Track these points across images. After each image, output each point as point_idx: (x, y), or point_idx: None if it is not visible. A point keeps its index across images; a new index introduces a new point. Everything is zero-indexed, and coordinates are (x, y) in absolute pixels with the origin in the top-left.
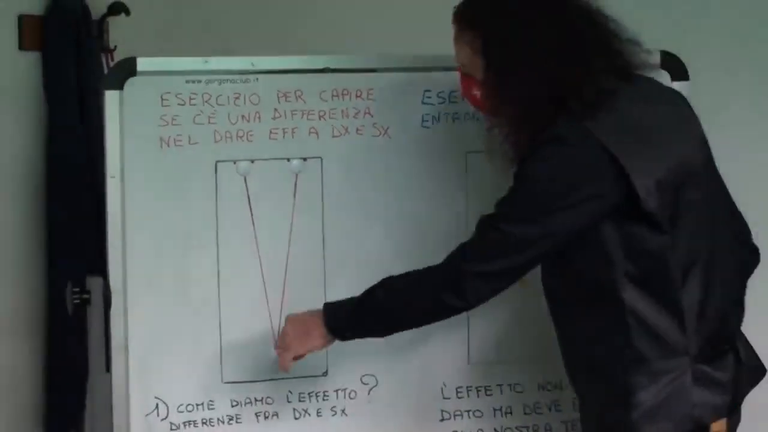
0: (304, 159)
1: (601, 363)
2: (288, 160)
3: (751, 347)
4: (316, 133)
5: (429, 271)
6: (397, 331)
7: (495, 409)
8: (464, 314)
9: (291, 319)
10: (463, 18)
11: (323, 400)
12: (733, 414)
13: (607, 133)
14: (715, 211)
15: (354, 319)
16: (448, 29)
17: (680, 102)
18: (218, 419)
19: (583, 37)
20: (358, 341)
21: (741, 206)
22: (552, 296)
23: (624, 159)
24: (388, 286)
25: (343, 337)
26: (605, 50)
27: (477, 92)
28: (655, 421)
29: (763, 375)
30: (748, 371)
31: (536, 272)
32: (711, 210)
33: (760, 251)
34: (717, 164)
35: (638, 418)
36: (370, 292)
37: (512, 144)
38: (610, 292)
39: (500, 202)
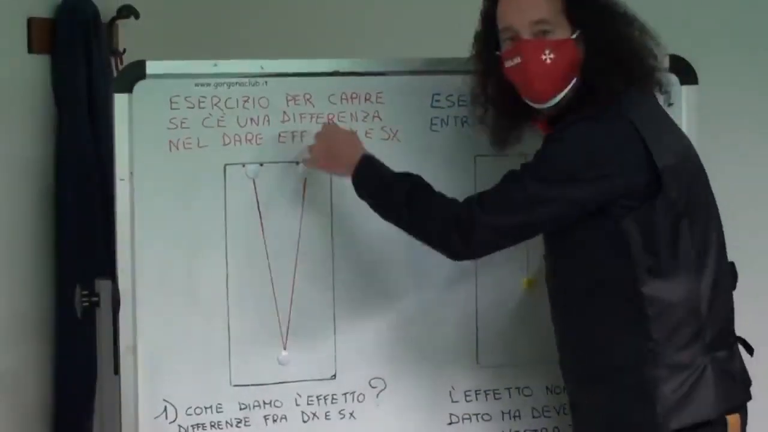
0: None
1: (620, 361)
2: (297, 163)
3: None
4: None
5: (450, 203)
6: (397, 225)
7: (504, 413)
8: (473, 316)
9: (332, 135)
10: None
11: (332, 403)
12: (743, 406)
13: (639, 118)
14: (713, 210)
15: (372, 189)
16: (457, 32)
17: (665, 112)
18: (227, 422)
19: (647, 29)
20: (365, 345)
21: (744, 208)
22: (566, 299)
23: (650, 143)
24: (414, 188)
25: (356, 187)
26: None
27: (550, 55)
28: (680, 413)
29: None
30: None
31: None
32: (712, 208)
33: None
34: (722, 166)
35: (664, 411)
36: (399, 181)
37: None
38: (630, 287)
39: (528, 162)
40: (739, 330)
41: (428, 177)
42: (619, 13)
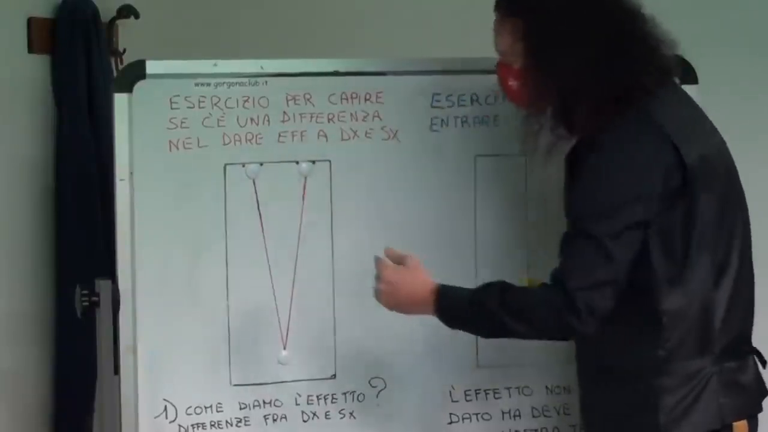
0: (313, 162)
1: (629, 367)
2: (297, 163)
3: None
4: (325, 136)
5: (543, 293)
6: (503, 337)
7: (503, 412)
8: None
9: (403, 277)
10: (505, 5)
11: (332, 402)
12: (753, 417)
13: (668, 119)
14: (740, 215)
15: (464, 315)
16: (457, 33)
17: (697, 106)
18: (227, 422)
19: (625, 30)
20: (365, 345)
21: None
22: None
23: (681, 146)
24: (501, 297)
25: (447, 324)
26: (647, 47)
27: (514, 82)
28: (681, 424)
29: None
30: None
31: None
32: (738, 212)
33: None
34: None
35: (666, 421)
36: (482, 300)
37: (554, 135)
38: (648, 296)
39: (572, 206)
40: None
41: (428, 177)
42: (573, 38)
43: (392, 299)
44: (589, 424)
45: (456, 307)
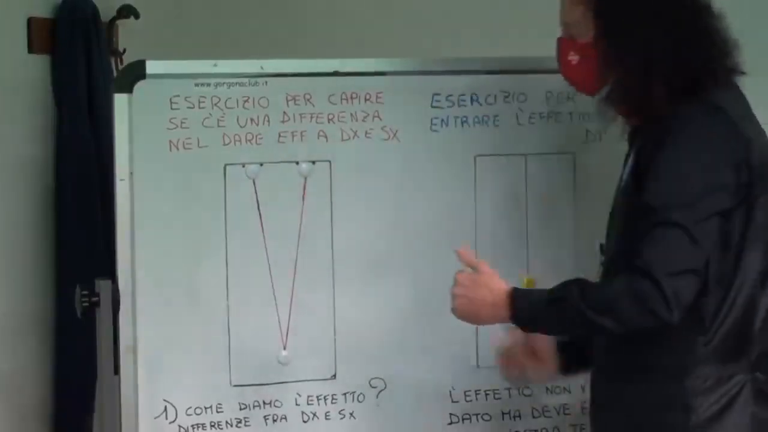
0: (313, 162)
1: (665, 364)
2: (297, 163)
3: None
4: (325, 137)
5: (623, 283)
6: (587, 334)
7: (503, 413)
8: None
9: (477, 280)
10: None
11: (332, 403)
12: None
13: (738, 119)
14: None
15: (543, 315)
16: (456, 33)
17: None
18: (226, 422)
19: (701, 19)
20: (365, 345)
21: None
22: None
23: (750, 145)
24: (582, 293)
25: (523, 328)
26: (720, 40)
27: (575, 56)
28: (714, 427)
29: None
30: None
31: (545, 275)
32: None
33: None
34: None
35: (697, 423)
36: (562, 297)
37: (601, 117)
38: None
39: (653, 194)
40: None
41: (428, 177)
42: (650, 16)
43: (468, 304)
44: (606, 421)
45: (534, 309)
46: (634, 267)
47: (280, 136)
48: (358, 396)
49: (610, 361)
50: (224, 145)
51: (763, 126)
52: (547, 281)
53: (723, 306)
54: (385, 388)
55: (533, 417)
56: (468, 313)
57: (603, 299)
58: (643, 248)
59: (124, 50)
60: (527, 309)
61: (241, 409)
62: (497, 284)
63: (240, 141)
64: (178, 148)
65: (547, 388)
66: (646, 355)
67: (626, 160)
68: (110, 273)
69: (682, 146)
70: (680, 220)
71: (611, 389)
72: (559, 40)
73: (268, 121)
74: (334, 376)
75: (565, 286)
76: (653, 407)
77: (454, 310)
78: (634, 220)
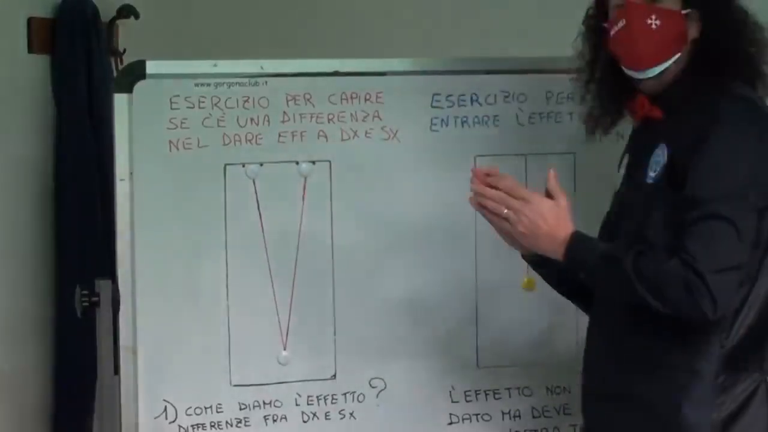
0: (313, 162)
1: (685, 360)
2: (297, 163)
3: None
4: (325, 137)
5: (677, 268)
6: (625, 300)
7: (503, 413)
8: (473, 317)
9: (552, 211)
10: None
11: (332, 403)
12: None
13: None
14: None
15: (592, 266)
16: (456, 33)
17: None
18: (226, 422)
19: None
20: (365, 345)
21: None
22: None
23: None
24: (635, 261)
25: (570, 267)
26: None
27: (656, 21)
28: (737, 422)
29: None
30: None
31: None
32: None
33: None
34: None
35: (721, 418)
36: (616, 256)
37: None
38: None
39: (699, 185)
40: None
41: (428, 177)
42: (736, 2)
43: (534, 228)
44: (616, 417)
45: (587, 256)
46: (683, 258)
47: (280, 136)
48: (358, 396)
49: (625, 351)
50: (224, 145)
51: None
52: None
53: (745, 305)
54: (385, 388)
55: (533, 417)
56: (530, 234)
57: (655, 277)
58: (690, 241)
59: (124, 50)
60: (581, 252)
61: (241, 409)
62: (566, 222)
63: (240, 141)
64: (178, 148)
65: (547, 388)
66: (666, 351)
67: (631, 158)
68: (110, 273)
69: (728, 140)
70: (728, 213)
71: (628, 381)
72: (634, 5)
73: (268, 121)
74: (334, 376)
75: (623, 248)
76: (676, 400)
77: (515, 224)
78: (678, 212)
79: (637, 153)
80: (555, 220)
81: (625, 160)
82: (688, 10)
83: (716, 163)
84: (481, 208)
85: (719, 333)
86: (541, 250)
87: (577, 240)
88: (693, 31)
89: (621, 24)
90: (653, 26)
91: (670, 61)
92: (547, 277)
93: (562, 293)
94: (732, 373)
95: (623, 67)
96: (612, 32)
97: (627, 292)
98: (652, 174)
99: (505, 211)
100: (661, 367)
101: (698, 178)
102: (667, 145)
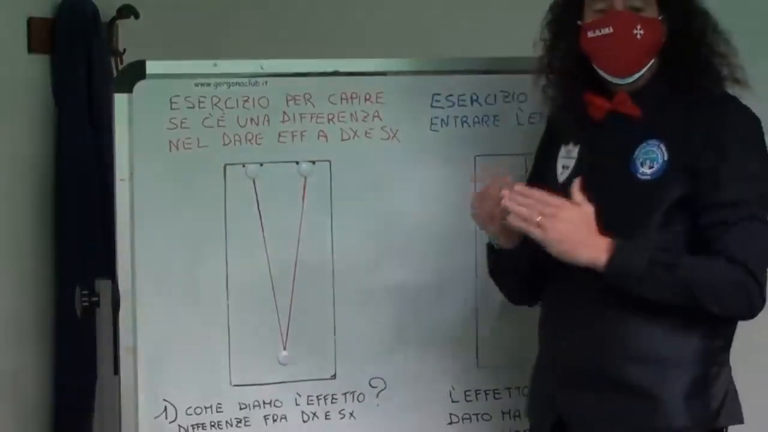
0: (313, 162)
1: (684, 354)
2: (297, 163)
3: None
4: (325, 137)
5: (730, 272)
6: (676, 304)
7: (504, 412)
8: (473, 316)
9: (588, 222)
10: None
11: (332, 402)
12: None
13: None
14: None
15: (642, 274)
16: (457, 32)
17: None
18: (226, 422)
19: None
20: (365, 345)
21: None
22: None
23: None
24: (692, 266)
25: (611, 274)
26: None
27: (640, 31)
28: (731, 410)
29: None
30: None
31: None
32: None
33: None
34: None
35: (716, 408)
36: (667, 262)
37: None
38: None
39: (731, 192)
40: None
41: (428, 177)
42: (701, 6)
43: (573, 232)
44: (616, 411)
45: (633, 263)
46: (730, 258)
47: (280, 136)
48: (358, 396)
49: (626, 348)
50: (224, 145)
51: None
52: None
53: None
54: (386, 387)
55: None
56: (564, 240)
57: (710, 281)
58: (734, 242)
59: (124, 50)
60: (627, 259)
61: (241, 409)
62: (596, 229)
63: (240, 141)
64: (178, 148)
65: None
66: (665, 344)
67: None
68: (110, 273)
69: (750, 142)
70: (764, 215)
71: (627, 375)
72: (622, 14)
73: (268, 121)
74: (334, 376)
75: (674, 253)
76: (674, 394)
77: (548, 231)
78: (702, 212)
79: (606, 146)
80: (587, 227)
81: (571, 151)
82: (662, 16)
83: (746, 165)
84: (479, 217)
85: (717, 329)
86: (576, 256)
87: (619, 248)
88: (664, 36)
89: (606, 31)
90: (638, 36)
91: (647, 67)
92: (496, 263)
93: (504, 281)
94: (723, 364)
95: (600, 71)
96: (590, 34)
97: (682, 297)
98: (646, 170)
99: (539, 218)
100: (658, 362)
101: (730, 180)
102: (664, 142)
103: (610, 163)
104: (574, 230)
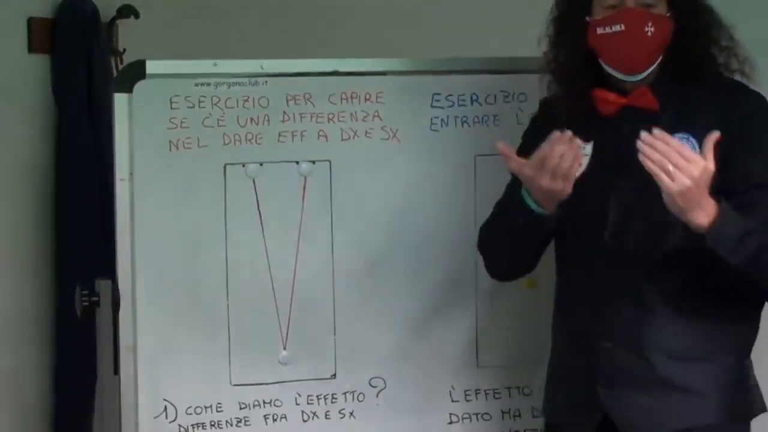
0: (313, 162)
1: (723, 346)
2: (297, 163)
3: None
4: (325, 136)
5: None
6: (745, 272)
7: (503, 412)
8: (473, 317)
9: (702, 174)
10: None
11: (332, 402)
12: None
13: None
14: None
15: (743, 239)
16: (457, 32)
17: None
18: (227, 422)
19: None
20: (365, 345)
21: None
22: (689, 274)
23: None
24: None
25: (713, 242)
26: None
27: (651, 29)
28: (757, 401)
29: None
30: None
31: (546, 275)
32: None
33: None
34: None
35: (753, 399)
36: (752, 228)
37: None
38: None
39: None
40: None
41: (428, 177)
42: (707, 3)
43: (696, 191)
44: (662, 409)
45: (732, 230)
46: None
47: (280, 136)
48: (358, 396)
49: (664, 342)
50: (224, 144)
51: None
52: (547, 281)
53: None
54: (385, 387)
55: (533, 417)
56: (687, 196)
57: None
58: None
59: (124, 50)
60: (730, 224)
61: (241, 408)
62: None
63: (240, 141)
64: (178, 148)
65: None
66: (706, 338)
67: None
68: (110, 273)
69: None
70: None
71: (665, 370)
72: (634, 11)
73: (268, 120)
74: (334, 375)
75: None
76: (713, 388)
77: (675, 181)
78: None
79: (628, 141)
80: (705, 187)
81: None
82: (671, 13)
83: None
84: (553, 172)
85: (755, 322)
86: (688, 213)
87: (725, 211)
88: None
89: (617, 28)
90: (649, 33)
91: (655, 65)
92: (529, 233)
93: (513, 251)
94: (749, 358)
95: (610, 69)
96: (600, 31)
97: (753, 267)
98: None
99: (671, 167)
100: (705, 355)
101: (764, 165)
102: (693, 134)
103: (620, 158)
104: (695, 188)
